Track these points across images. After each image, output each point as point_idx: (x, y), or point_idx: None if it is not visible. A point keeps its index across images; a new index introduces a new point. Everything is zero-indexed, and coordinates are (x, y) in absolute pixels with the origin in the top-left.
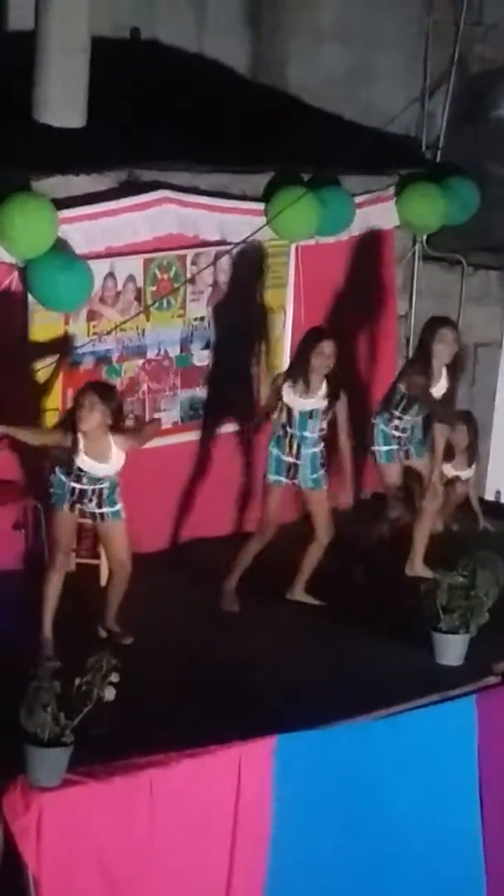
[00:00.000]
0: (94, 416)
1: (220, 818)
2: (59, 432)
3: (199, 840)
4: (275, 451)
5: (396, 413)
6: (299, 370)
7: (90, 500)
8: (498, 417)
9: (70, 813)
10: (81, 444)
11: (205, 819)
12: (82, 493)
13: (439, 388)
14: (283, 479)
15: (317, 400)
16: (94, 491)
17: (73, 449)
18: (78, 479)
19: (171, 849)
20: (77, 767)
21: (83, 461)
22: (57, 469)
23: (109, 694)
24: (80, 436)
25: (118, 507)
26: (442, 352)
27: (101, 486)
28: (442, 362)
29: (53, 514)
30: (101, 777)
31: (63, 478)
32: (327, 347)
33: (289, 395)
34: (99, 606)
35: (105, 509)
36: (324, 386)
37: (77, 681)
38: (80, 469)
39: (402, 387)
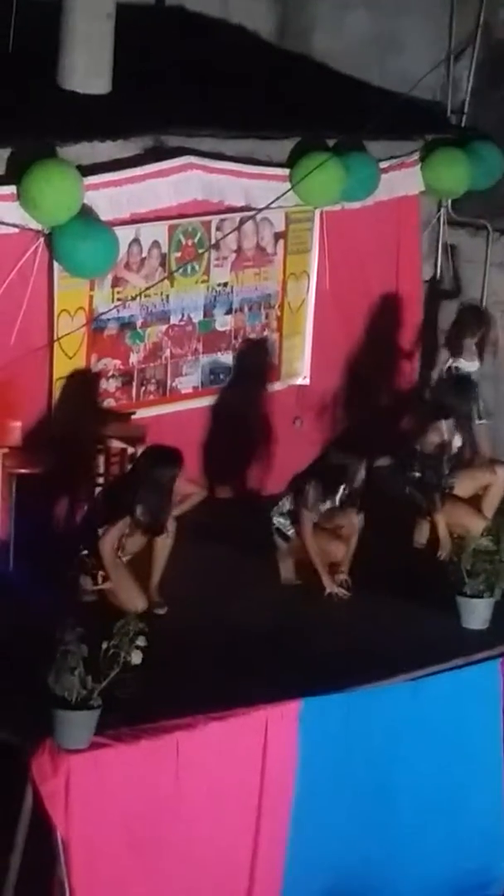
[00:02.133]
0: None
1: (245, 780)
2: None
3: (225, 802)
4: None
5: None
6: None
7: None
8: None
9: (98, 775)
10: None
11: (231, 781)
12: None
13: (454, 444)
14: None
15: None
16: None
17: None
18: None
19: (197, 810)
20: (105, 730)
21: None
22: None
23: (136, 657)
24: None
25: None
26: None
27: None
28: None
29: None
30: (129, 740)
31: None
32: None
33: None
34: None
35: None
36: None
37: (104, 644)
38: None
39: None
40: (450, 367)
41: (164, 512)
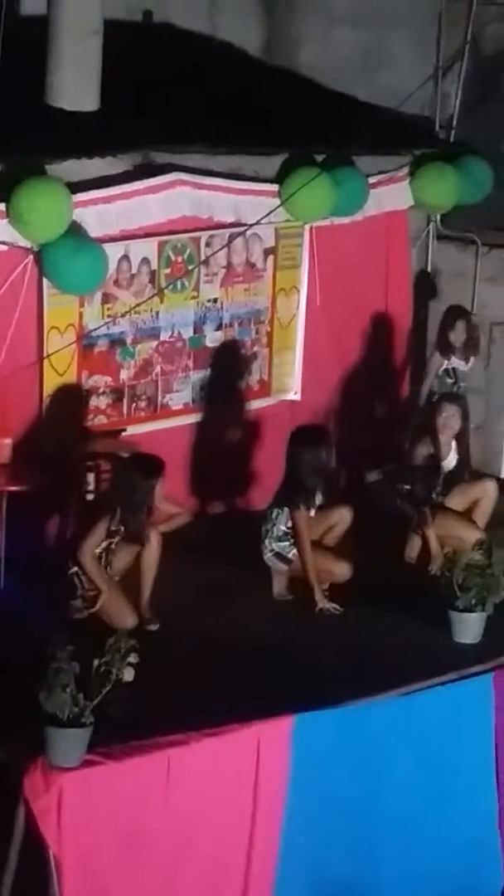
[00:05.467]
0: None
1: (238, 796)
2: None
3: (217, 818)
4: None
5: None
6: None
7: None
8: None
9: (90, 793)
10: None
11: (223, 797)
12: None
13: (448, 462)
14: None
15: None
16: None
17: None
18: None
19: (189, 826)
20: (97, 748)
21: None
22: None
23: (128, 675)
24: None
25: None
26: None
27: None
28: (449, 437)
29: None
30: (120, 757)
31: None
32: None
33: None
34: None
35: None
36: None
37: (96, 662)
38: None
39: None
40: (446, 370)
41: (145, 520)
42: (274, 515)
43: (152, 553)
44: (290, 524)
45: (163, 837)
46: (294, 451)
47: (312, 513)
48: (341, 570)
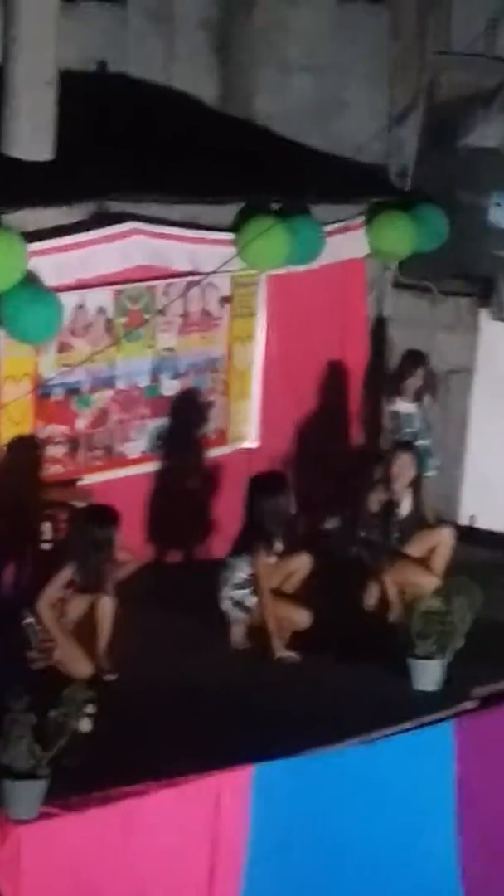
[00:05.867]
0: None
1: (197, 848)
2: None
3: (176, 869)
4: None
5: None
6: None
7: None
8: (470, 443)
9: (48, 845)
10: None
11: (182, 848)
12: None
13: (404, 509)
14: None
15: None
16: None
17: None
18: None
19: (148, 877)
20: (54, 799)
21: None
22: None
23: (85, 725)
24: None
25: None
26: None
27: None
28: (403, 484)
29: None
30: (78, 808)
31: None
32: None
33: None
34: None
35: None
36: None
37: (52, 713)
38: None
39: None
40: (393, 412)
41: (103, 571)
42: (234, 563)
43: (109, 603)
44: (250, 572)
45: (120, 888)
46: (254, 499)
47: (273, 559)
48: (301, 618)
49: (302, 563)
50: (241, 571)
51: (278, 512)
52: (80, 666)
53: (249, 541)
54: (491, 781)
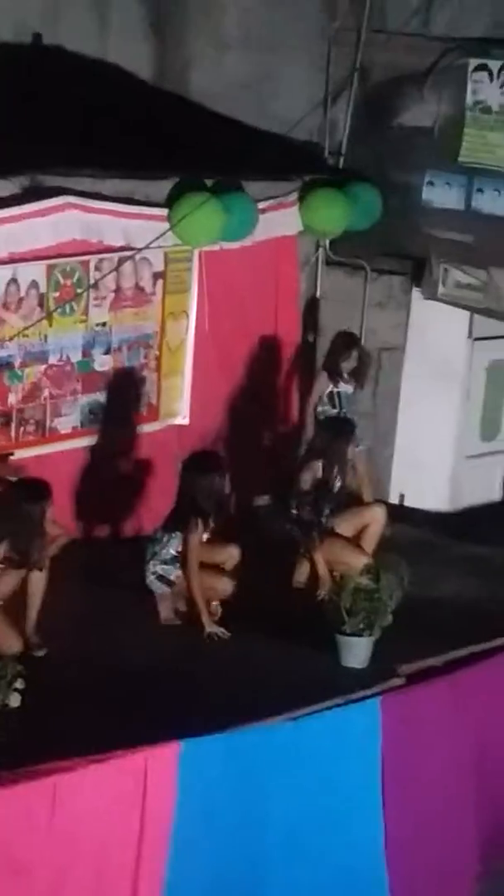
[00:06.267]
0: None
1: (124, 823)
2: None
3: (104, 844)
4: None
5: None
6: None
7: None
8: (401, 422)
9: None
10: None
11: (109, 824)
12: None
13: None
14: None
15: None
16: None
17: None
18: None
19: (76, 853)
20: None
21: None
22: None
23: (14, 701)
24: None
25: None
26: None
27: None
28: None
29: None
30: (6, 783)
31: None
32: None
33: None
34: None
35: None
36: None
37: None
38: None
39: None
40: (331, 392)
41: (35, 546)
42: (164, 539)
43: (40, 577)
44: (178, 548)
45: (48, 863)
46: (188, 477)
47: (205, 537)
48: (224, 586)
49: (230, 556)
50: (172, 548)
51: (213, 491)
52: (9, 641)
53: (182, 518)
54: (416, 759)
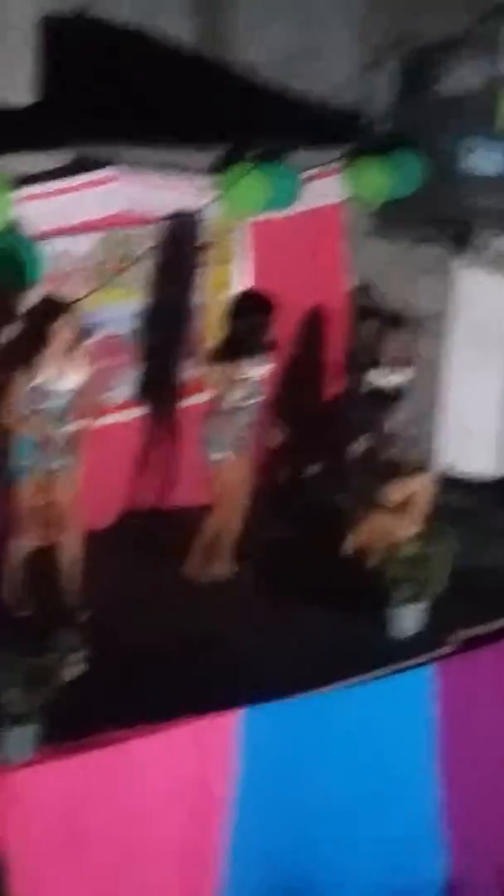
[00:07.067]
0: None
1: (185, 794)
2: None
3: (165, 813)
4: None
5: None
6: None
7: None
8: (446, 390)
9: (41, 789)
10: None
11: (170, 795)
12: None
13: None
14: None
15: None
16: None
17: None
18: None
19: (138, 824)
20: (43, 745)
21: None
22: None
23: (69, 674)
24: None
25: None
26: None
27: None
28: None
29: None
30: (70, 753)
31: None
32: None
33: None
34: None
35: None
36: None
37: (42, 658)
38: None
39: None
40: (376, 362)
41: None
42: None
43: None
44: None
45: (109, 833)
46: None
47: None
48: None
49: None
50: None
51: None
52: None
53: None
54: (473, 725)
